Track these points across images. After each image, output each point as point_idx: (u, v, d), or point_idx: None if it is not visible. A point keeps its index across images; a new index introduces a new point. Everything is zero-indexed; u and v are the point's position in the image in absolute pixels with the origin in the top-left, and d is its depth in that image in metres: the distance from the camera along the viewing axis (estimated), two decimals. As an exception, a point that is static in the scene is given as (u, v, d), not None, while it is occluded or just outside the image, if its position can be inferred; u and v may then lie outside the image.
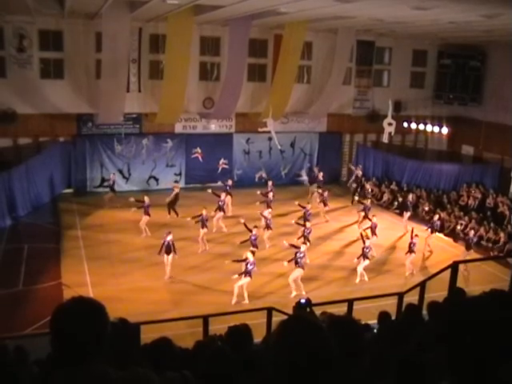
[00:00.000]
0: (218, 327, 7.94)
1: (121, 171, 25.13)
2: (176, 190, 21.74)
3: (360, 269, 16.07)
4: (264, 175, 25.39)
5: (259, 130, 25.08)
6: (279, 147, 26.09)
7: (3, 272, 15.41)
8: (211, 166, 26.18)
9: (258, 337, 5.66)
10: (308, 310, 5.64)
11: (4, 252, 17.07)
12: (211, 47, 25.29)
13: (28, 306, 13.39)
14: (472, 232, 18.23)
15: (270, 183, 22.45)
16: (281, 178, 27.16)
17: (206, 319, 8.22)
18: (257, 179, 24.64)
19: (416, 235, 17.36)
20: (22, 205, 20.78)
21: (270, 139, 26.08)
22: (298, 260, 14.99)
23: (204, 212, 18.12)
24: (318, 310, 6.02)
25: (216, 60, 25.56)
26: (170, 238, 15.83)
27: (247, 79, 25.52)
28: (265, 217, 18.53)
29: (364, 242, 16.32)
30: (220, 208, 19.82)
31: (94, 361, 2.06)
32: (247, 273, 14.36)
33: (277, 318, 8.12)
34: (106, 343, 2.11)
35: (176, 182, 23.28)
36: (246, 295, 14.41)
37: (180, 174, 26.28)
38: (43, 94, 22.75)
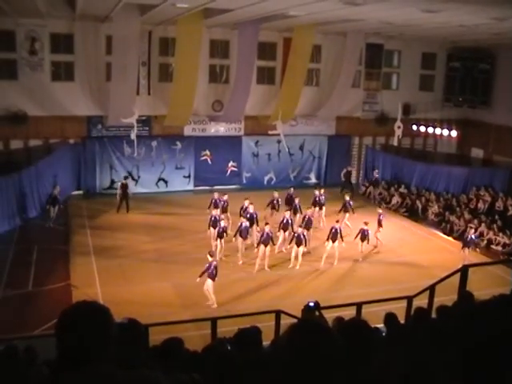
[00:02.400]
0: (226, 330, 7.95)
1: (130, 173, 25.19)
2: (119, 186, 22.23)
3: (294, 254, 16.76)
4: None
5: (269, 132, 25.08)
6: (286, 150, 26.25)
7: (13, 273, 15.49)
8: (220, 168, 26.31)
9: (265, 340, 5.59)
10: (316, 313, 5.66)
11: (14, 253, 17.12)
12: (220, 50, 25.35)
13: (37, 306, 13.38)
14: (472, 231, 18.14)
15: (291, 190, 21.49)
16: (289, 181, 27.12)
17: (214, 321, 8.21)
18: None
19: (366, 223, 17.78)
20: (31, 206, 20.85)
21: (279, 142, 26.16)
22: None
23: (214, 212, 18.18)
24: (328, 314, 5.98)
25: (225, 63, 25.61)
26: (268, 229, 16.55)
27: (256, 82, 25.56)
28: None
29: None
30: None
31: (101, 363, 2.06)
32: (210, 275, 13.83)
33: (284, 321, 8.14)
34: (111, 345, 2.12)
35: (126, 177, 23.18)
36: (213, 298, 13.92)
37: (189, 177, 26.33)
38: (54, 96, 22.89)
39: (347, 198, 20.99)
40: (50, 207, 20.28)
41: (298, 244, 16.88)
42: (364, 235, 17.85)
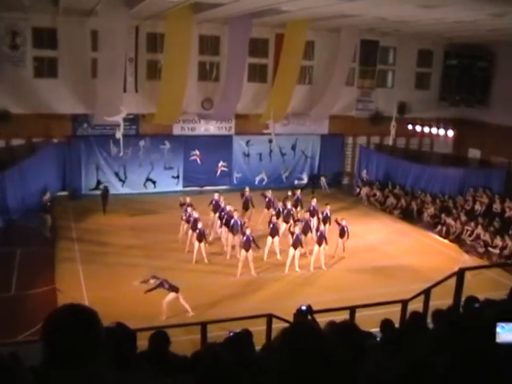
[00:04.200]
0: (216, 334, 7.81)
1: (117, 174, 24.85)
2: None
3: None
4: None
5: (264, 131, 24.68)
6: (277, 149, 26.34)
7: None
8: (210, 168, 25.96)
9: (256, 344, 5.66)
10: (309, 316, 5.70)
11: (-5, 256, 16.56)
12: (210, 46, 24.97)
13: (20, 311, 12.97)
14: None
15: (269, 192, 20.54)
16: (281, 182, 26.75)
17: (204, 326, 8.12)
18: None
19: (342, 219, 17.77)
20: (14, 207, 20.31)
21: (271, 141, 26.06)
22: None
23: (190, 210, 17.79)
24: (320, 318, 5.57)
25: (215, 60, 25.21)
26: (248, 232, 15.97)
27: (247, 80, 25.24)
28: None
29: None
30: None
31: (91, 365, 2.07)
32: (170, 288, 13.17)
33: (276, 325, 8.06)
34: (100, 348, 2.13)
35: (105, 186, 22.80)
36: (187, 307, 13.27)
37: (178, 177, 25.99)
38: (37, 93, 22.33)
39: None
40: (44, 215, 19.36)
41: (295, 247, 16.42)
42: (343, 231, 17.60)
